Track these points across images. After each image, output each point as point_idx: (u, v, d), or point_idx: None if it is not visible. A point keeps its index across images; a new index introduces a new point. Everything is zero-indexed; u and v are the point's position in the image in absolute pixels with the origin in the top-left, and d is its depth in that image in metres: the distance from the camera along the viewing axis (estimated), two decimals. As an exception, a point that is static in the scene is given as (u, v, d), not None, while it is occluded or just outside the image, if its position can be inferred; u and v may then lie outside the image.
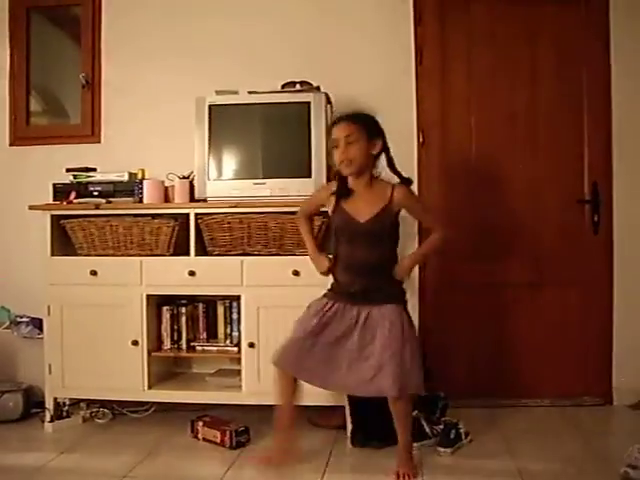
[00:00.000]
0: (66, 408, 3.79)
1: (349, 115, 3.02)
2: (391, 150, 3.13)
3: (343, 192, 3.06)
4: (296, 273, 3.45)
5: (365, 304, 3.01)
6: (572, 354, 4.02)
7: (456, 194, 4.06)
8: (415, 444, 3.27)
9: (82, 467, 3.19)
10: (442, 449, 3.24)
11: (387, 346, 2.93)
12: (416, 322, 3.97)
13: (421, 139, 4.04)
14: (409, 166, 3.99)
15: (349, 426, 3.45)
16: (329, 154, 3.52)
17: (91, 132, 4.26)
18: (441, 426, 3.33)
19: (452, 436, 3.27)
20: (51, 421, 3.70)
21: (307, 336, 3.02)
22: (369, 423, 3.38)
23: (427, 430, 3.35)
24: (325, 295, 3.10)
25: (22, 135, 4.37)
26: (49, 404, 3.71)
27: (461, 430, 3.33)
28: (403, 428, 3.04)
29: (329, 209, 3.10)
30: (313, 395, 3.48)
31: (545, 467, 3.06)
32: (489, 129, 4.04)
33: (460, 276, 4.06)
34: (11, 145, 4.37)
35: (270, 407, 3.48)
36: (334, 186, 3.09)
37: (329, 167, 3.58)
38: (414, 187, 3.97)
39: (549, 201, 4.01)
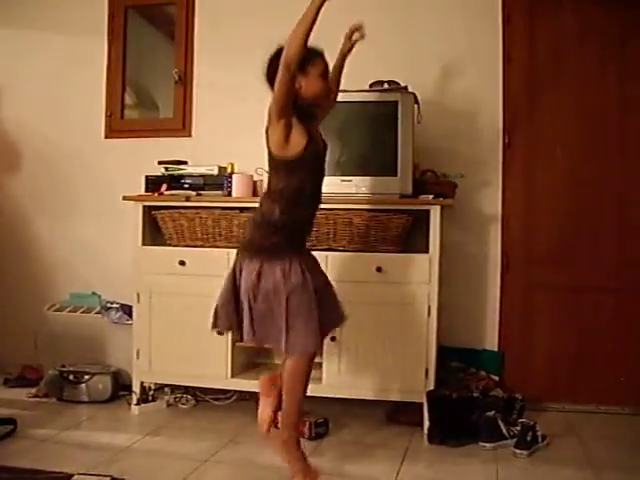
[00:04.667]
0: (152, 392, 3.93)
1: None
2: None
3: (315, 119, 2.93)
4: (379, 269, 3.51)
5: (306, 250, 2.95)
6: (656, 362, 3.94)
7: (541, 196, 4.03)
8: (492, 444, 3.30)
9: (166, 450, 3.30)
10: (519, 451, 3.23)
11: None
12: (496, 323, 4.02)
13: (507, 140, 4.03)
14: (494, 166, 4.02)
15: (426, 423, 3.48)
16: (414, 152, 3.58)
17: (182, 126, 4.40)
18: (518, 427, 3.32)
19: (529, 438, 3.26)
20: (137, 404, 3.85)
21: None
22: (447, 421, 3.40)
23: (504, 431, 3.35)
24: (282, 257, 2.75)
25: (117, 128, 4.54)
26: (136, 388, 3.86)
27: (538, 433, 3.31)
28: None
29: (299, 137, 2.73)
30: (391, 391, 3.55)
31: (623, 476, 3.02)
32: (576, 131, 4.00)
33: (542, 279, 4.03)
34: (106, 138, 4.55)
35: (349, 400, 3.58)
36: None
37: (415, 166, 3.63)
38: (499, 188, 4.02)
39: (636, 205, 3.95)
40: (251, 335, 2.77)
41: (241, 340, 2.91)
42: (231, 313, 2.82)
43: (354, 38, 3.20)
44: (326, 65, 2.84)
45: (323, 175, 2.91)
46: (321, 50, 2.83)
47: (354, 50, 3.22)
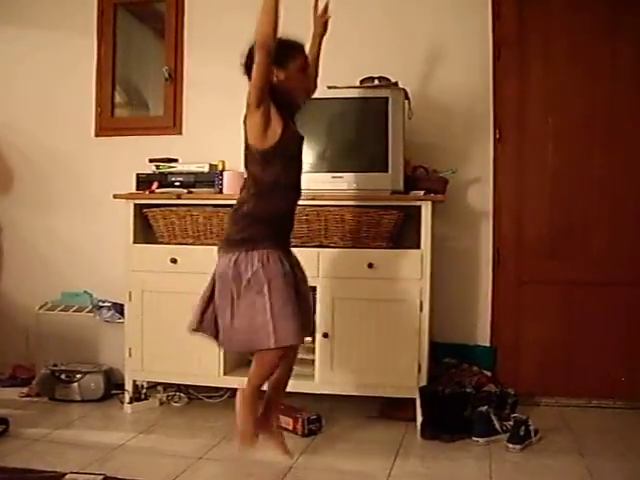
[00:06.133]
0: (144, 391, 3.93)
1: None
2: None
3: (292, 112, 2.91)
4: (370, 266, 3.50)
5: (287, 245, 2.94)
6: (648, 356, 3.95)
7: (532, 191, 4.04)
8: (485, 438, 3.31)
9: (159, 447, 3.30)
10: (511, 445, 3.24)
11: None
12: (488, 319, 4.03)
13: (497, 135, 4.03)
14: (485, 161, 4.03)
15: (419, 418, 3.48)
16: (405, 148, 3.58)
17: (173, 124, 4.39)
18: (511, 422, 3.33)
19: (522, 433, 3.26)
20: (130, 402, 3.84)
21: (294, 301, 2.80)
22: (439, 416, 3.41)
23: (497, 426, 3.35)
24: (259, 248, 2.77)
25: (107, 126, 4.52)
26: (128, 386, 3.85)
27: (531, 427, 3.32)
28: None
29: (276, 126, 2.76)
30: (384, 387, 3.56)
31: (616, 467, 3.03)
32: (566, 125, 4.00)
33: (534, 274, 4.03)
34: (97, 136, 4.54)
35: (342, 397, 3.59)
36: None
37: (406, 162, 3.63)
38: (489, 183, 4.02)
39: (625, 200, 3.95)
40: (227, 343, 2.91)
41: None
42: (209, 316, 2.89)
43: (327, 15, 3.20)
44: (306, 59, 2.87)
45: (300, 168, 2.92)
46: (301, 44, 2.86)
47: (328, 29, 3.23)
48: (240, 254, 2.76)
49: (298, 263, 2.97)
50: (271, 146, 2.74)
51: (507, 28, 4.03)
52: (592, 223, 3.98)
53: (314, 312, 3.27)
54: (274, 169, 2.77)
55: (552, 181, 4.02)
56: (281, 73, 2.78)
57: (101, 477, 2.82)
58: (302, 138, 2.92)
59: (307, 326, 2.99)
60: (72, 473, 2.86)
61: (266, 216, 2.78)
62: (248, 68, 2.78)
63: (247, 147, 2.80)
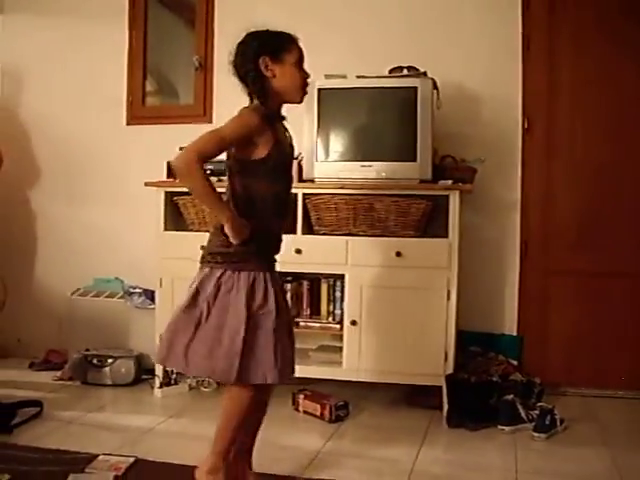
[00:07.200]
0: (174, 376, 3.97)
1: None
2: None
3: (276, 118, 2.54)
4: (399, 254, 3.53)
5: (274, 262, 2.61)
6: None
7: (560, 181, 4.02)
8: (510, 427, 3.33)
9: (188, 431, 3.35)
10: (537, 434, 3.26)
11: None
12: (515, 308, 4.03)
13: (526, 125, 4.02)
14: (513, 151, 4.02)
15: (445, 406, 3.50)
16: (433, 137, 3.59)
17: (203, 112, 4.42)
18: (536, 411, 3.34)
19: (547, 422, 3.28)
20: (160, 387, 3.90)
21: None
22: (465, 404, 3.43)
23: (522, 414, 3.37)
24: (247, 267, 2.45)
25: (138, 115, 4.58)
26: (159, 371, 3.91)
27: (556, 416, 3.33)
28: None
29: (261, 142, 2.42)
30: (410, 375, 3.58)
31: (640, 460, 3.04)
32: (596, 116, 3.98)
33: (561, 264, 4.03)
34: (128, 124, 4.59)
35: (369, 384, 3.62)
36: (258, 113, 2.46)
37: (435, 151, 3.64)
38: (517, 173, 4.01)
39: (655, 191, 3.94)
40: (183, 364, 2.49)
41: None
42: None
43: None
44: (302, 53, 2.53)
45: (288, 181, 2.61)
46: (296, 37, 2.54)
47: None
48: (226, 272, 2.45)
49: (282, 288, 2.69)
50: (257, 160, 2.43)
51: (537, 17, 4.01)
52: (620, 214, 3.96)
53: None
54: (259, 183, 2.45)
55: (580, 171, 3.99)
56: (276, 67, 2.47)
57: (133, 459, 2.88)
58: (292, 148, 2.64)
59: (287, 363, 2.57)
60: (105, 455, 2.91)
61: (251, 231, 2.44)
62: (236, 67, 2.57)
63: (228, 156, 2.50)
